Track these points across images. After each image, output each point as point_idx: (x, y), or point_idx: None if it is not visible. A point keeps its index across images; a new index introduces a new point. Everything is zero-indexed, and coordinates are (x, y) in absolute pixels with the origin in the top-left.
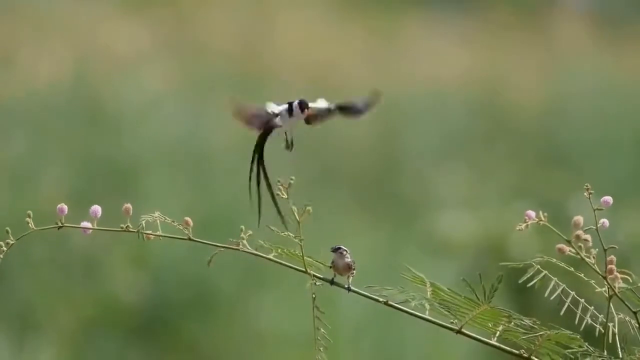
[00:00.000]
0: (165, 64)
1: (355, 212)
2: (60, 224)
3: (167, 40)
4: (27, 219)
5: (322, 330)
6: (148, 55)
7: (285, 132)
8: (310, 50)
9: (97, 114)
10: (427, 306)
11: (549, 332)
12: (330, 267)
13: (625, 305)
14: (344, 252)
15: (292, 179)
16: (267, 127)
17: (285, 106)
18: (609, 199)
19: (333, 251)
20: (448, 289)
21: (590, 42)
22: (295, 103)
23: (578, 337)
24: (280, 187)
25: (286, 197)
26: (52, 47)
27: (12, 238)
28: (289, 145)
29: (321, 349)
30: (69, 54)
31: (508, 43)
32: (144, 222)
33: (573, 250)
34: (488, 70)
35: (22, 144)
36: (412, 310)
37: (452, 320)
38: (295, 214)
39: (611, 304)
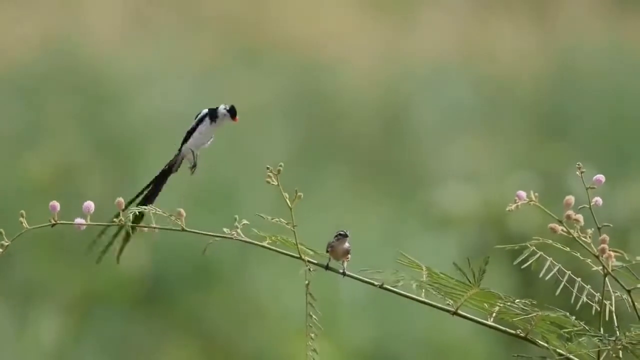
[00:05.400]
0: (164, 35)
1: (359, 185)
2: (53, 222)
3: (166, 12)
4: (21, 218)
5: (314, 317)
6: (148, 26)
7: (193, 152)
8: (312, 24)
9: (95, 87)
10: (421, 289)
11: (541, 313)
12: (328, 251)
13: (619, 283)
14: (347, 238)
15: (281, 165)
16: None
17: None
18: (601, 177)
19: (343, 236)
20: (441, 273)
21: (596, 14)
22: (223, 109)
23: (572, 318)
24: (270, 173)
25: (276, 183)
26: (48, 17)
27: (6, 240)
28: (194, 166)
29: (312, 335)
30: (66, 23)
31: (513, 16)
32: (131, 214)
33: (565, 230)
34: (492, 43)
35: (19, 116)
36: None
37: (448, 302)
38: (287, 200)
39: (608, 282)
